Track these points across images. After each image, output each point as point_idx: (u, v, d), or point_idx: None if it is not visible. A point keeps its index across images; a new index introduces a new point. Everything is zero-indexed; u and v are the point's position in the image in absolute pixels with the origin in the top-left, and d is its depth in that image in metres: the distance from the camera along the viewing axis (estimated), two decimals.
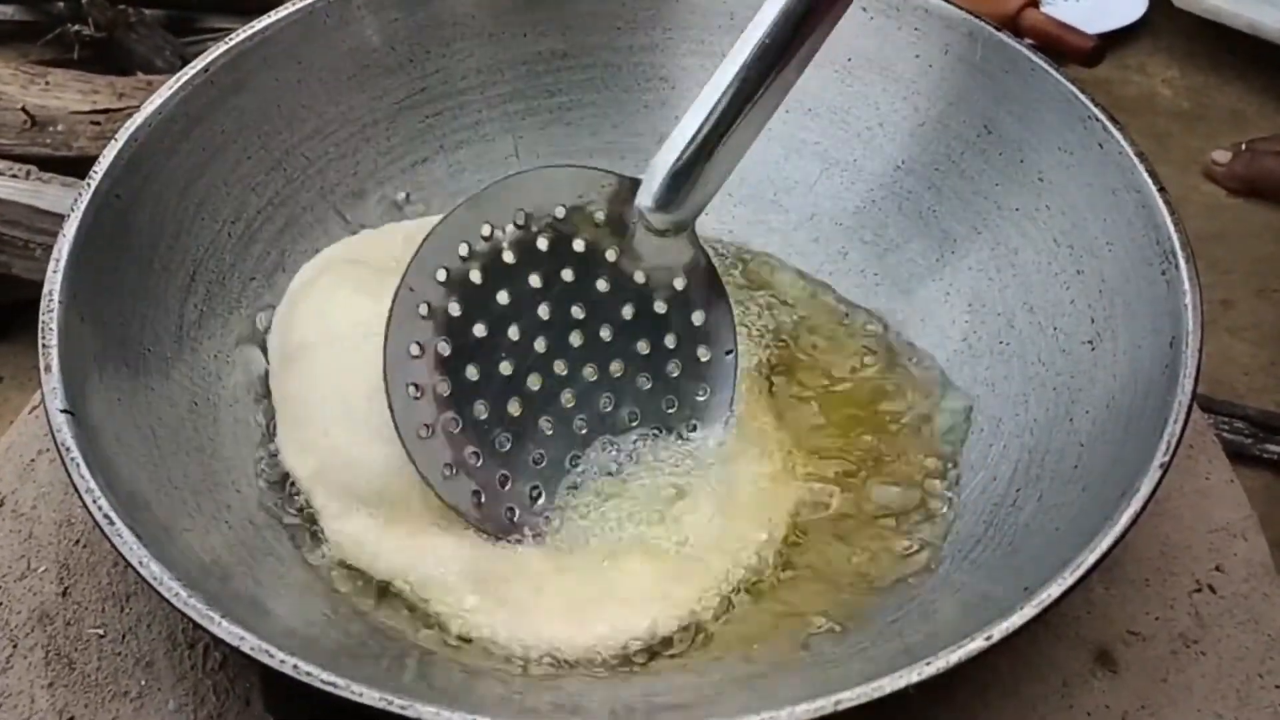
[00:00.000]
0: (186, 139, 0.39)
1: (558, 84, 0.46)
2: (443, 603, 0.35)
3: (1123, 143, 0.37)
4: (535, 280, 0.37)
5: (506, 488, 0.36)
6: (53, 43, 0.85)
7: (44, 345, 0.32)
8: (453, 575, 0.35)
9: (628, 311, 0.38)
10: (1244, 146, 0.76)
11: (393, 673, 0.32)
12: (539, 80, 0.46)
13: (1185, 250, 0.34)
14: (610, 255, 0.38)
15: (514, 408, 0.37)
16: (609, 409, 0.38)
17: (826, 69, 0.44)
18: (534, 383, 0.37)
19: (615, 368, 0.38)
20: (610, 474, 0.37)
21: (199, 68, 0.40)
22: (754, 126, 0.37)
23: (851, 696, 0.26)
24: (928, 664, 0.27)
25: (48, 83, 0.79)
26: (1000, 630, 0.27)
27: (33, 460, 0.41)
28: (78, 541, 0.39)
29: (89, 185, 0.36)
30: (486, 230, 0.36)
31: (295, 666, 0.26)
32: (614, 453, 0.38)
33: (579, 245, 0.38)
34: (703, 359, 0.39)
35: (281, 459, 0.37)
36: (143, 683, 0.35)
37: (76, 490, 0.30)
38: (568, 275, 0.37)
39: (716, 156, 0.37)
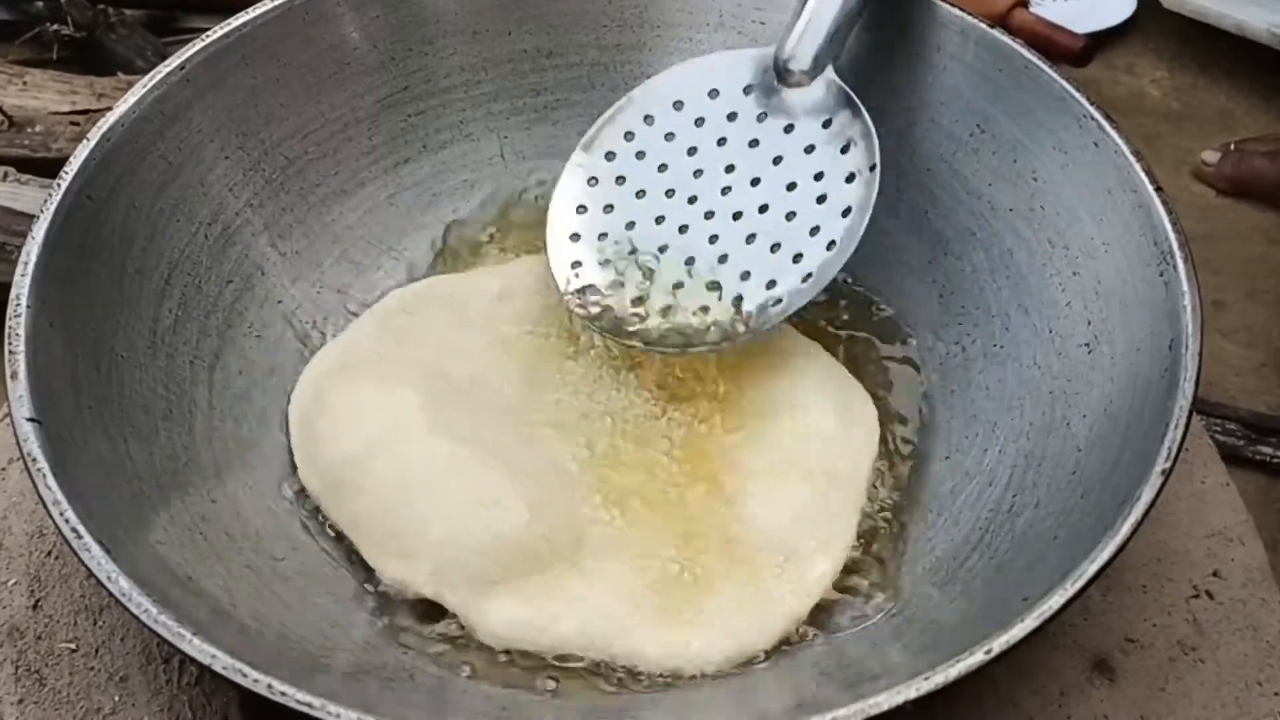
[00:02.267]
0: (161, 139, 0.38)
1: (543, 83, 0.45)
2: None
3: (1119, 142, 0.37)
4: (687, 145, 0.41)
5: (639, 305, 0.39)
6: (31, 42, 0.84)
7: (10, 351, 0.31)
8: (622, 615, 0.34)
9: (775, 154, 0.40)
10: (1233, 147, 0.76)
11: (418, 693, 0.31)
12: (524, 79, 0.45)
13: (1183, 251, 0.34)
14: (755, 111, 0.41)
15: (665, 242, 0.40)
16: (754, 238, 0.40)
17: None
18: (685, 223, 0.40)
19: (763, 201, 0.40)
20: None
21: (174, 65, 0.39)
22: None
23: (847, 714, 0.25)
24: (926, 679, 0.26)
25: (25, 83, 0.78)
26: (1000, 643, 0.27)
27: (3, 469, 0.39)
28: (49, 553, 0.37)
29: (59, 186, 0.35)
30: (645, 118, 0.41)
31: (270, 686, 0.25)
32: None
33: (725, 110, 0.41)
34: (848, 184, 0.40)
35: (383, 577, 0.35)
36: (116, 699, 0.34)
37: (43, 502, 0.29)
38: (717, 136, 0.41)
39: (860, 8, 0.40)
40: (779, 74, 0.40)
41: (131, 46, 0.85)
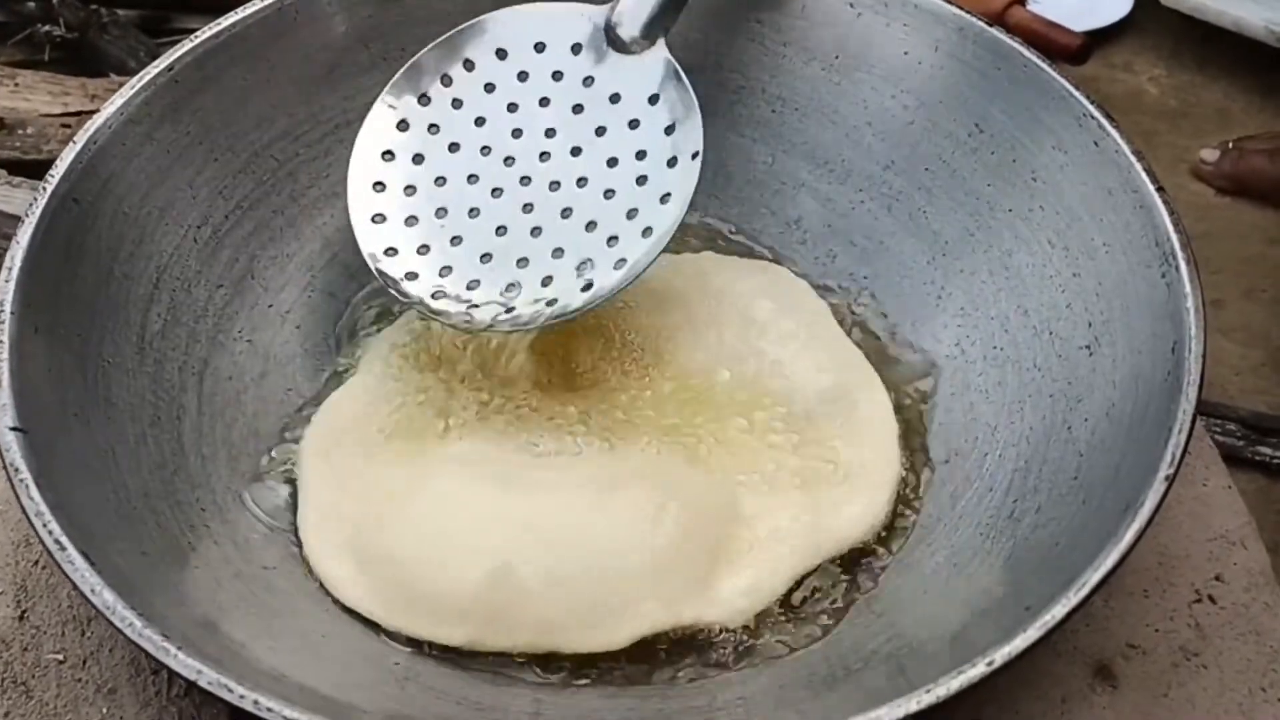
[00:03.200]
0: (150, 141, 0.38)
1: None
2: None
3: (1119, 141, 0.36)
4: (507, 100, 0.39)
5: (446, 277, 0.37)
6: (22, 43, 0.84)
7: None
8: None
9: (599, 130, 0.38)
10: (1231, 145, 0.76)
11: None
12: None
13: (1185, 252, 0.33)
14: (582, 73, 0.39)
15: (475, 205, 0.38)
16: (570, 213, 0.38)
17: (814, 66, 0.43)
18: (499, 186, 0.38)
19: (582, 174, 0.38)
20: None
21: (162, 66, 0.38)
22: None
23: None
24: (927, 691, 0.25)
25: (17, 84, 0.77)
26: (1002, 655, 0.26)
27: None
28: (36, 563, 0.37)
29: (44, 190, 0.35)
30: (465, 63, 0.39)
31: (256, 702, 0.25)
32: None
33: (551, 68, 0.39)
34: (670, 168, 0.38)
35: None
36: (104, 711, 0.34)
37: (25, 513, 0.28)
38: (539, 94, 0.39)
39: None
40: (609, 37, 0.39)
41: (124, 47, 0.85)
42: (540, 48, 0.39)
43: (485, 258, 0.37)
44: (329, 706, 0.27)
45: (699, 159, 0.37)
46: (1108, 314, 0.36)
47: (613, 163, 0.38)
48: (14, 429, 0.30)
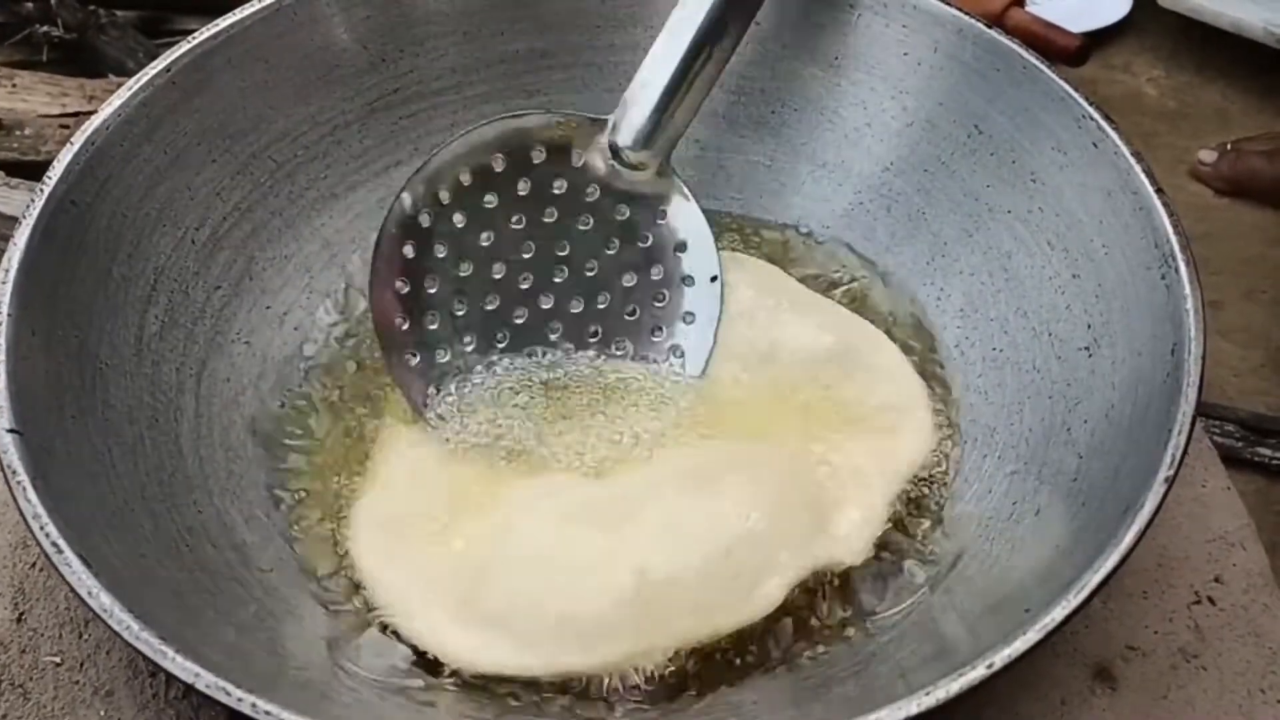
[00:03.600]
0: (147, 142, 0.38)
1: (536, 84, 0.45)
2: None
3: (1118, 143, 0.36)
4: (517, 221, 0.39)
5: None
6: (20, 44, 0.83)
7: None
8: None
9: (611, 247, 0.39)
10: (1230, 146, 0.76)
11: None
12: (517, 80, 0.45)
13: (1185, 254, 0.33)
14: (590, 194, 0.39)
15: (500, 341, 0.39)
16: (595, 339, 0.39)
17: (813, 67, 0.43)
18: (519, 318, 0.39)
19: (601, 300, 0.39)
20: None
21: (160, 68, 0.38)
22: (727, 52, 0.39)
23: None
24: (927, 694, 0.25)
25: (15, 85, 0.77)
26: (1002, 658, 0.26)
27: None
28: (34, 565, 0.37)
29: (42, 191, 0.35)
30: (466, 177, 0.39)
31: (254, 705, 0.25)
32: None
33: (559, 186, 0.39)
34: (688, 288, 0.39)
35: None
36: (102, 713, 0.34)
37: (22, 516, 0.28)
38: (549, 215, 0.39)
39: (693, 87, 0.38)
40: (614, 151, 0.39)
41: (122, 48, 0.84)
42: (549, 159, 0.39)
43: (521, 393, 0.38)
44: (327, 708, 0.27)
45: (719, 283, 0.39)
46: (1107, 315, 0.36)
47: (629, 280, 0.39)
48: (11, 431, 0.30)
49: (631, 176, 0.39)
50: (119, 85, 0.38)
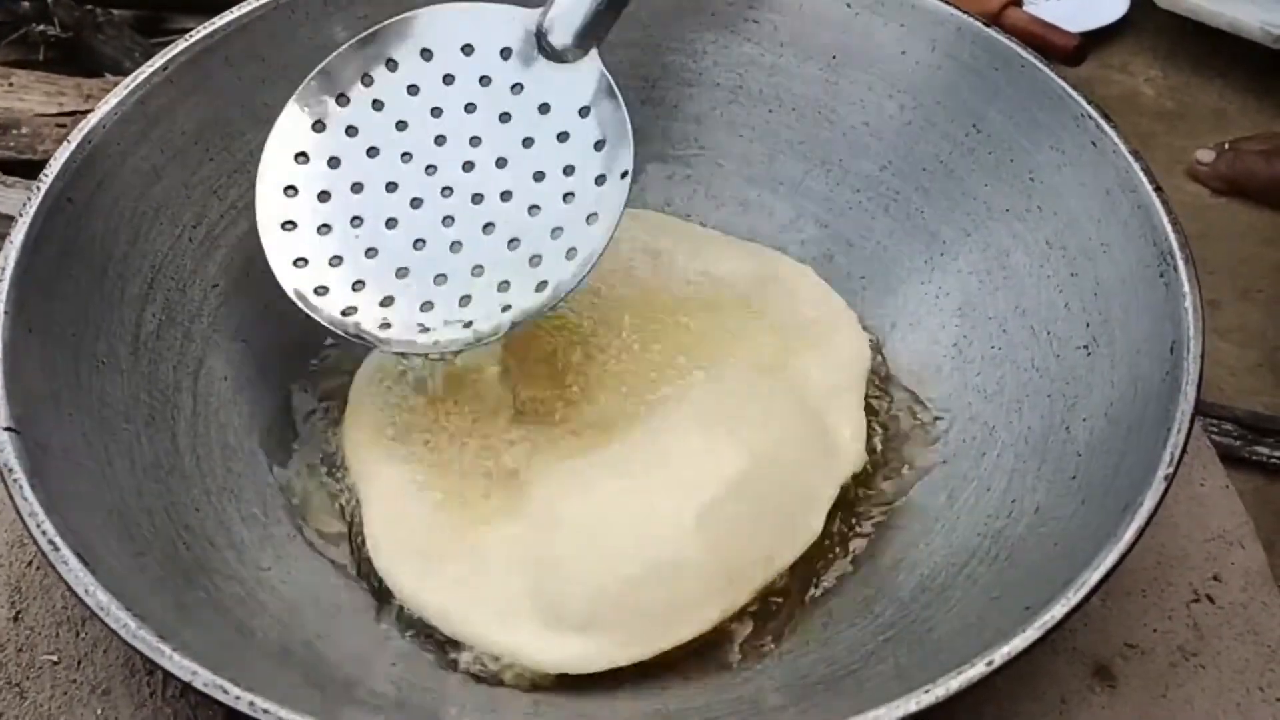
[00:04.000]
0: (144, 140, 0.38)
1: None
2: None
3: (1117, 142, 0.36)
4: (431, 104, 0.37)
5: (359, 292, 0.35)
6: (17, 43, 0.83)
7: None
8: None
9: (527, 142, 0.37)
10: (1227, 146, 0.76)
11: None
12: None
13: (1184, 252, 0.33)
14: (511, 80, 0.37)
15: (393, 215, 0.36)
16: (490, 236, 0.36)
17: (810, 66, 0.43)
18: (419, 196, 0.36)
19: (505, 196, 0.36)
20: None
21: (157, 65, 0.38)
22: None
23: None
24: (926, 691, 0.25)
25: (11, 84, 0.77)
26: (1001, 655, 0.26)
27: None
28: (30, 563, 0.37)
29: (38, 189, 0.34)
30: (388, 62, 0.37)
31: (252, 704, 0.25)
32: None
33: (478, 72, 0.37)
34: (599, 186, 0.36)
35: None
36: (99, 712, 0.34)
37: (19, 514, 0.28)
38: (465, 99, 0.37)
39: None
40: (540, 44, 0.37)
41: (119, 47, 0.84)
42: (468, 50, 0.37)
43: (401, 272, 0.35)
44: (326, 707, 0.27)
45: (628, 179, 0.36)
46: (1106, 314, 0.35)
47: (539, 176, 0.36)
48: (7, 429, 0.29)
49: (555, 68, 0.37)
50: (116, 84, 0.38)
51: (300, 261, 0.35)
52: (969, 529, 0.35)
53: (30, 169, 0.74)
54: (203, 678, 0.25)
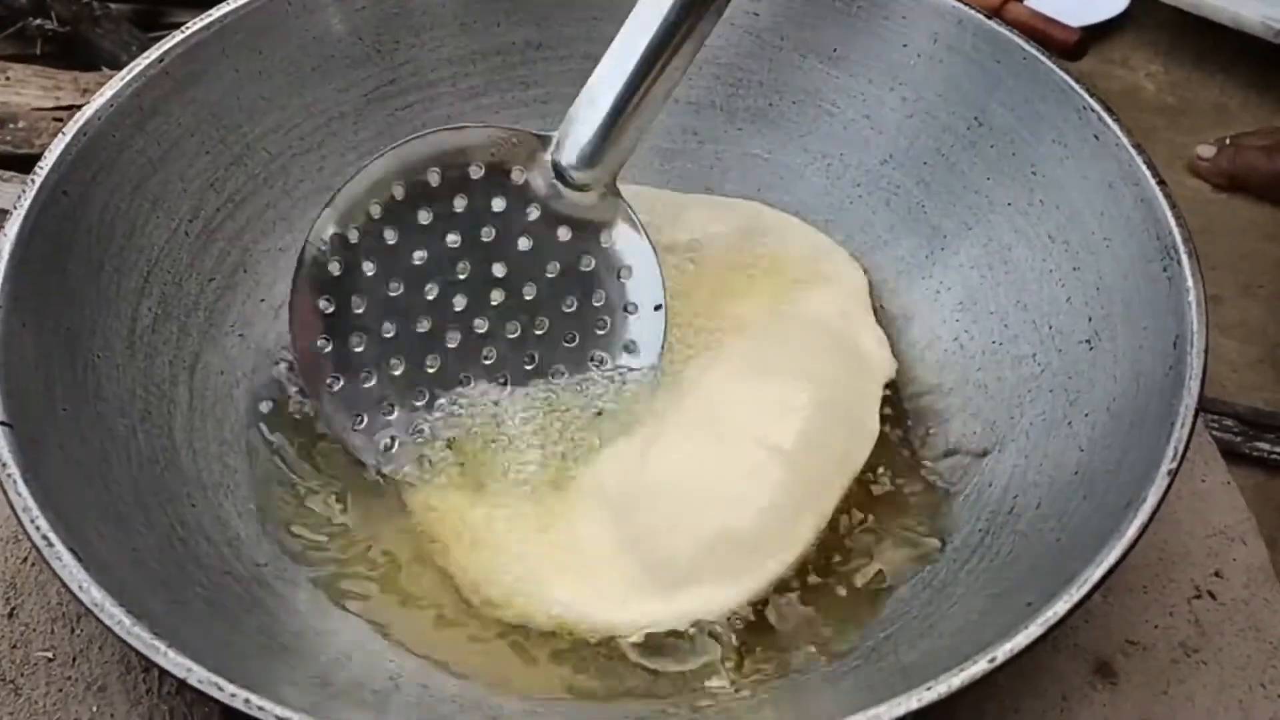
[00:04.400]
0: (140, 133, 0.37)
1: (533, 76, 0.44)
2: None
3: (1120, 135, 0.36)
4: (453, 239, 0.37)
5: (417, 439, 0.37)
6: (13, 37, 0.83)
7: None
8: None
9: (551, 270, 0.38)
10: (1228, 141, 0.75)
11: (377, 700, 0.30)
12: (513, 72, 0.44)
13: (1187, 246, 0.33)
14: (531, 214, 0.37)
15: (431, 364, 0.37)
16: (531, 365, 0.37)
17: (811, 58, 0.43)
18: (453, 341, 0.37)
19: (540, 324, 0.37)
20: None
21: (153, 58, 0.38)
22: (678, 71, 0.36)
23: None
24: (928, 689, 0.25)
25: (8, 78, 0.77)
26: (1004, 652, 0.26)
27: None
28: (25, 559, 0.36)
29: (33, 182, 0.34)
30: (400, 191, 0.36)
31: (247, 701, 0.25)
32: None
33: (498, 204, 0.37)
34: (630, 314, 0.38)
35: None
36: (94, 709, 0.33)
37: (13, 510, 0.28)
38: (487, 234, 0.37)
39: (643, 105, 0.36)
40: (556, 170, 0.37)
41: (116, 41, 0.84)
42: (482, 175, 0.37)
43: (453, 417, 0.37)
44: (321, 704, 0.27)
45: (663, 311, 0.37)
46: (1108, 308, 0.35)
47: (569, 305, 0.38)
48: (1, 424, 0.29)
49: (574, 197, 0.37)
50: (113, 78, 0.38)
51: (358, 418, 0.37)
52: (971, 524, 0.35)
53: (26, 163, 0.73)
54: (198, 674, 0.25)
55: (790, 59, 0.43)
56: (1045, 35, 0.70)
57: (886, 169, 0.43)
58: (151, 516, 0.32)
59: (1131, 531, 0.28)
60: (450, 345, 0.37)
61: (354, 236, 0.36)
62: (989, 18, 0.40)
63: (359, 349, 0.36)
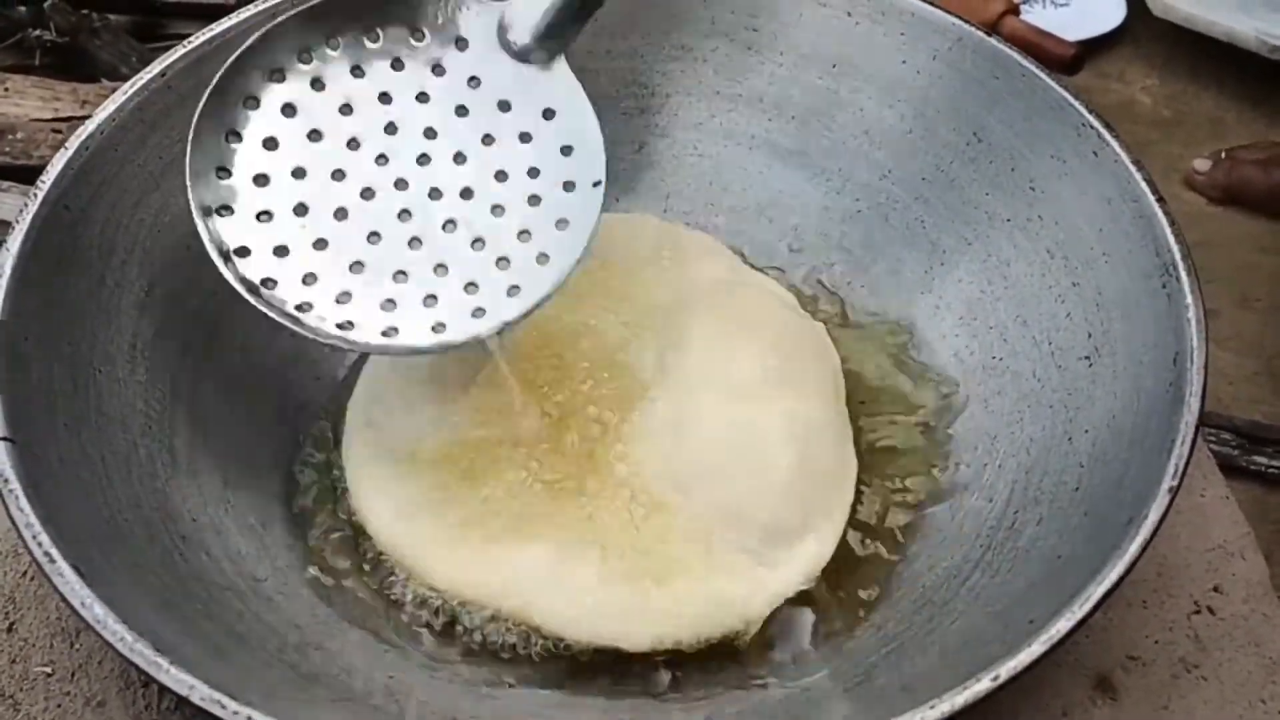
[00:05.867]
0: (142, 146, 0.37)
1: None
2: None
3: (1118, 150, 0.36)
4: (378, 88, 0.34)
5: (311, 285, 0.33)
6: (13, 48, 0.83)
7: None
8: None
9: (488, 142, 0.34)
10: (1224, 154, 0.76)
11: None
12: None
13: (1186, 262, 0.33)
14: (473, 81, 0.34)
15: (342, 205, 0.33)
16: (452, 235, 0.34)
17: (811, 74, 0.43)
18: (369, 186, 0.34)
19: (467, 197, 0.34)
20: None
21: (155, 72, 0.38)
22: None
23: None
24: (931, 707, 0.25)
25: (7, 89, 0.77)
26: (1008, 670, 0.26)
27: None
28: (24, 574, 0.36)
29: (36, 196, 0.34)
30: (329, 38, 0.33)
31: (250, 718, 0.24)
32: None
33: (431, 59, 0.34)
34: (568, 193, 0.34)
35: None
36: None
37: (15, 525, 0.28)
38: (417, 87, 0.34)
39: None
40: (501, 39, 0.34)
41: (115, 53, 0.84)
42: (419, 35, 0.34)
43: (356, 267, 0.33)
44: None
45: (601, 188, 0.34)
46: (1107, 324, 0.35)
47: (501, 176, 0.34)
48: (3, 439, 0.29)
49: (521, 66, 0.34)
50: (112, 90, 0.38)
51: (242, 251, 0.32)
52: (971, 540, 0.35)
53: (25, 174, 0.73)
54: (200, 692, 0.25)
55: (790, 74, 0.44)
56: (1042, 49, 0.70)
57: (886, 184, 0.43)
58: (153, 532, 0.32)
59: (1133, 549, 0.28)
60: (367, 202, 0.33)
61: (271, 80, 0.33)
62: (988, 34, 0.40)
63: (271, 205, 0.33)
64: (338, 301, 0.33)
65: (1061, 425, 0.35)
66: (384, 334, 0.33)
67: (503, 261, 0.33)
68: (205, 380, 0.38)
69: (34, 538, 0.27)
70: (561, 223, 0.34)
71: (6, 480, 0.28)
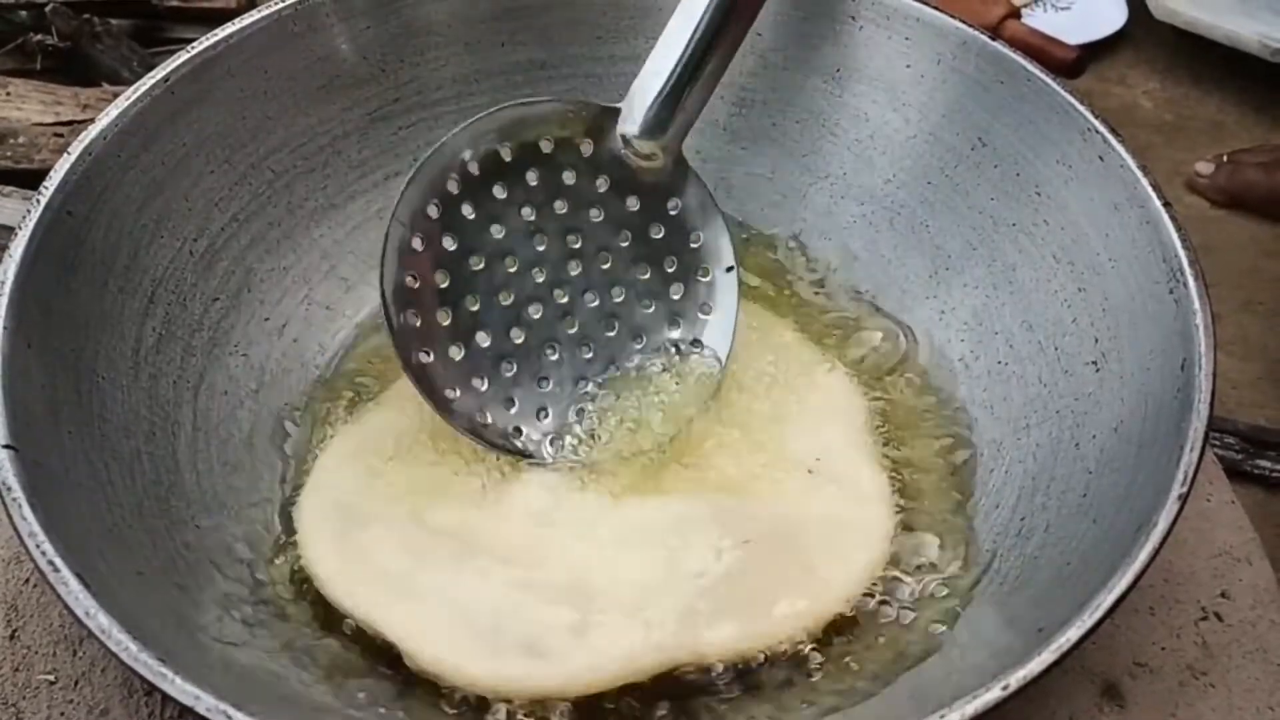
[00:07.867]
0: (145, 152, 0.37)
1: (536, 95, 0.44)
2: None
3: (1124, 155, 0.36)
4: (528, 214, 0.38)
5: (512, 410, 0.37)
6: (14, 52, 0.83)
7: None
8: None
9: (624, 239, 0.39)
10: (1226, 158, 0.76)
11: None
12: (517, 91, 0.44)
13: (1194, 268, 0.33)
14: (601, 185, 0.38)
15: (516, 337, 0.38)
16: (613, 333, 0.39)
17: (815, 79, 0.43)
18: (535, 313, 0.38)
19: (616, 293, 0.39)
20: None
21: (158, 77, 0.38)
22: (739, 36, 0.38)
23: None
24: (941, 716, 0.25)
25: (8, 93, 0.77)
26: (1017, 679, 0.26)
27: None
28: (27, 581, 0.36)
29: (38, 202, 0.34)
30: (474, 168, 0.37)
31: None
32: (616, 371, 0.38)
33: (569, 177, 0.38)
34: (703, 279, 0.39)
35: None
36: None
37: (18, 534, 0.27)
38: (560, 208, 0.38)
39: (703, 74, 0.37)
40: (624, 140, 0.38)
41: (117, 57, 0.84)
42: (558, 149, 0.38)
43: (543, 381, 0.38)
44: None
45: (734, 274, 0.38)
46: (1114, 330, 0.35)
47: (641, 269, 0.39)
48: (6, 446, 0.29)
49: (642, 167, 0.38)
50: (113, 94, 0.38)
51: (452, 391, 0.36)
52: (979, 546, 0.35)
53: (27, 178, 0.73)
54: (206, 703, 0.25)
55: (793, 79, 0.43)
56: (1044, 53, 0.70)
57: (890, 189, 0.43)
58: (157, 539, 0.32)
59: (1143, 557, 0.28)
60: (533, 316, 0.38)
61: (433, 211, 0.36)
62: (991, 38, 0.40)
63: (445, 322, 0.36)
64: (537, 418, 0.37)
65: (1069, 431, 0.35)
66: (579, 444, 0.37)
67: (661, 351, 0.39)
68: (207, 386, 0.38)
69: (37, 546, 0.27)
70: (705, 306, 0.39)
71: (9, 488, 0.28)
